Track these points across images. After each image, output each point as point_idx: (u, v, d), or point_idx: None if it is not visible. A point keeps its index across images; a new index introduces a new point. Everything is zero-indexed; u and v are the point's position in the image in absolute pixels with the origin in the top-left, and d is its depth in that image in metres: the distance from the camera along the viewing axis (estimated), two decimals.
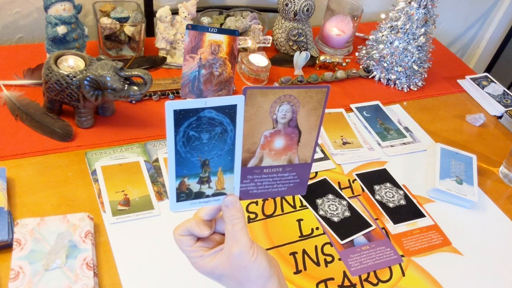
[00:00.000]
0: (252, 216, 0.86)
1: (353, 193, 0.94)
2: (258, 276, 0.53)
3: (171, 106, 0.49)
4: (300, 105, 0.56)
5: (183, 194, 0.55)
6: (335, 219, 0.88)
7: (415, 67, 1.24)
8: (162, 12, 1.10)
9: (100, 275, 0.72)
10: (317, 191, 0.92)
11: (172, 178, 0.53)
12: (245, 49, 1.21)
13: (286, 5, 1.21)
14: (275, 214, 0.87)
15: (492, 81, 1.33)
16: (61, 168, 0.86)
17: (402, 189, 0.96)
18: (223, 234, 0.56)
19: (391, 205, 0.93)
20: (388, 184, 0.97)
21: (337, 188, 0.94)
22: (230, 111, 0.52)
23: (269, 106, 0.55)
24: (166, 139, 0.51)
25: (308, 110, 0.56)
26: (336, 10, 1.31)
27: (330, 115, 1.11)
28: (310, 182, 0.94)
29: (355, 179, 0.97)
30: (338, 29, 1.33)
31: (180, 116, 0.50)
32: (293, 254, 0.81)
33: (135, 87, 0.90)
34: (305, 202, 0.90)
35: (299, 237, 0.84)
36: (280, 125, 0.57)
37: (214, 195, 0.56)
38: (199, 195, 0.56)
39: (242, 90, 0.52)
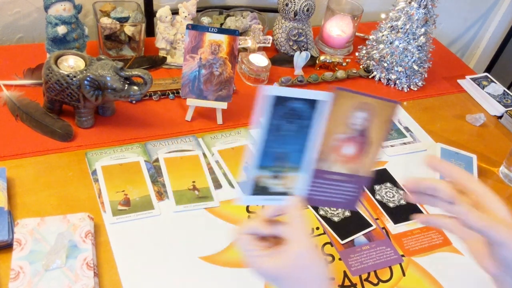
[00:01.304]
0: (252, 216, 0.86)
1: None
2: (320, 276, 0.53)
3: (271, 91, 0.49)
4: (374, 115, 0.55)
5: (258, 188, 0.55)
6: (336, 219, 0.88)
7: (415, 67, 1.24)
8: (162, 12, 1.10)
9: (100, 275, 0.72)
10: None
11: (255, 164, 0.53)
12: (245, 49, 1.21)
13: (286, 5, 1.21)
14: None
15: (492, 81, 1.33)
16: (61, 168, 0.86)
17: (403, 189, 0.96)
18: (275, 237, 0.56)
19: (391, 205, 0.93)
20: (388, 184, 0.97)
21: None
22: (316, 106, 0.52)
23: (348, 110, 0.54)
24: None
25: (379, 122, 0.55)
26: (336, 10, 1.31)
27: None
28: None
29: None
30: (338, 29, 1.33)
31: (277, 102, 0.51)
32: None
33: (135, 87, 0.90)
34: None
35: None
36: (353, 131, 0.56)
37: (281, 193, 0.56)
38: (269, 190, 0.56)
39: (334, 89, 0.51)
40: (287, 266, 0.53)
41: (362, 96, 0.54)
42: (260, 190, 0.55)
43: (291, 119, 0.52)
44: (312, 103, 0.52)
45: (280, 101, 0.51)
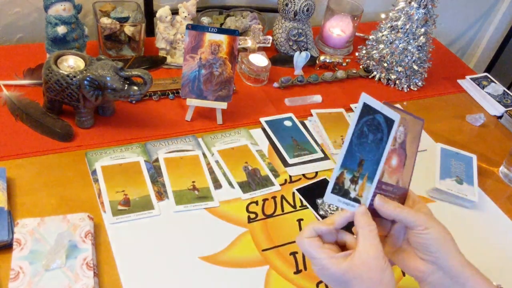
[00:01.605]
0: (252, 216, 0.86)
1: None
2: (390, 281, 0.56)
3: (363, 98, 0.55)
4: (409, 130, 0.60)
5: (337, 187, 0.58)
6: None
7: (415, 67, 1.24)
8: (162, 12, 1.10)
9: (100, 275, 0.72)
10: (317, 191, 0.92)
11: (338, 164, 0.57)
12: (245, 49, 1.21)
13: (286, 5, 1.21)
14: (275, 214, 0.87)
15: (492, 81, 1.33)
16: (61, 168, 0.86)
17: None
18: (340, 244, 0.61)
19: None
20: None
21: None
22: (389, 124, 0.59)
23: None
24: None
25: (411, 137, 0.60)
26: (336, 10, 1.31)
27: (330, 115, 1.11)
28: (310, 182, 0.94)
29: None
30: (338, 29, 1.33)
31: (365, 110, 0.56)
32: (293, 254, 0.81)
33: (135, 87, 0.90)
34: (305, 202, 0.90)
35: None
36: (397, 144, 0.61)
37: (353, 199, 0.60)
38: (346, 193, 0.59)
39: (393, 107, 0.58)
40: (363, 268, 0.55)
41: (402, 111, 0.60)
42: (338, 190, 0.58)
43: (372, 129, 0.58)
44: (388, 121, 0.58)
45: (368, 109, 0.56)
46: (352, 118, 0.59)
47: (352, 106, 1.15)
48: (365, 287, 0.55)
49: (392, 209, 0.60)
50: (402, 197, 0.63)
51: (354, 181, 0.59)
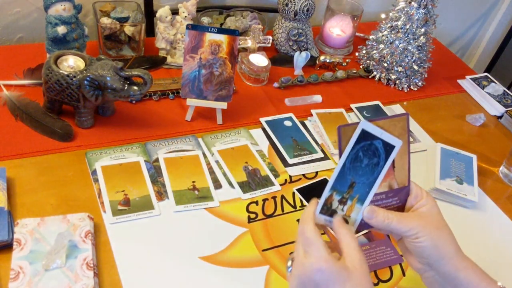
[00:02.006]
0: (252, 216, 0.86)
1: None
2: (371, 283, 0.56)
3: (362, 125, 0.57)
4: (391, 133, 0.59)
5: (325, 207, 0.61)
6: None
7: (415, 67, 1.24)
8: (162, 12, 1.10)
9: (100, 275, 0.72)
10: (317, 191, 0.92)
11: (329, 185, 0.60)
12: (245, 49, 1.21)
13: (286, 5, 1.21)
14: (275, 214, 0.87)
15: (492, 81, 1.33)
16: (61, 168, 0.86)
17: None
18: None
19: None
20: None
21: None
22: (389, 149, 0.59)
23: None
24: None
25: (395, 136, 0.59)
26: (336, 10, 1.31)
27: (330, 115, 1.11)
28: (310, 182, 0.94)
29: None
30: (338, 29, 1.33)
31: (363, 136, 0.58)
32: None
33: (135, 87, 0.90)
34: (305, 202, 0.90)
35: None
36: None
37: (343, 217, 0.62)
38: (333, 213, 0.61)
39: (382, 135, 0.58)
40: (348, 272, 0.55)
41: (381, 119, 0.59)
42: (325, 210, 0.60)
43: (368, 154, 0.59)
44: (387, 146, 0.58)
45: (366, 136, 0.57)
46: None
47: (352, 106, 1.15)
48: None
49: (381, 221, 0.60)
50: (404, 197, 0.64)
51: (342, 202, 0.60)
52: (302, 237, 0.58)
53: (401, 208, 0.64)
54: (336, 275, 0.55)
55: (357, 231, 0.63)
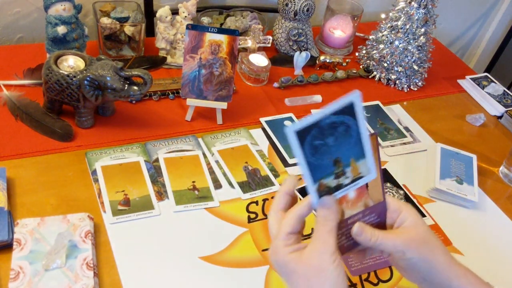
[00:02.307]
0: (252, 216, 0.86)
1: None
2: (329, 279, 0.52)
3: (291, 129, 0.50)
4: None
5: (324, 192, 0.56)
6: None
7: (415, 67, 1.24)
8: (162, 12, 1.10)
9: (100, 275, 0.72)
10: None
11: (310, 184, 0.54)
12: (245, 49, 1.21)
13: (286, 5, 1.21)
14: None
15: (492, 81, 1.33)
16: (61, 168, 0.86)
17: (402, 189, 0.96)
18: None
19: None
20: (388, 184, 0.97)
21: None
22: (348, 110, 0.53)
23: None
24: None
25: None
26: (336, 10, 1.31)
27: None
28: None
29: None
30: (338, 29, 1.33)
31: (302, 134, 0.51)
32: None
33: (135, 87, 0.90)
34: None
35: None
36: None
37: (352, 181, 0.57)
38: (339, 187, 0.57)
39: None
40: (306, 264, 0.52)
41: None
42: (330, 190, 0.56)
43: (323, 135, 0.53)
44: (340, 111, 0.53)
45: (304, 134, 0.51)
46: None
47: None
48: (301, 282, 0.52)
49: (368, 238, 0.57)
50: (382, 212, 0.61)
51: (339, 175, 0.56)
52: (269, 222, 0.57)
53: (382, 224, 0.62)
54: (284, 269, 0.54)
55: (344, 252, 0.59)
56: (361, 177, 0.57)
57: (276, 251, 0.55)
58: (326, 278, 0.52)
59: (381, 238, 0.57)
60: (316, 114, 0.51)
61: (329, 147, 0.54)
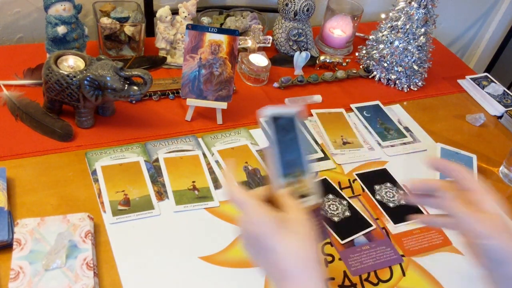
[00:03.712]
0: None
1: (353, 193, 0.94)
2: (310, 265, 0.51)
3: (266, 112, 0.59)
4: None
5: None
6: (336, 219, 0.88)
7: (415, 67, 1.24)
8: (162, 12, 1.10)
9: (100, 275, 0.72)
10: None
11: (278, 177, 0.59)
12: (245, 49, 1.21)
13: (286, 5, 1.21)
14: None
15: (492, 81, 1.33)
16: (61, 168, 0.86)
17: (403, 189, 0.96)
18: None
19: (391, 205, 0.93)
20: (388, 184, 0.97)
21: (338, 188, 0.94)
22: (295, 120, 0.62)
23: None
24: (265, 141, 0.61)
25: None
26: (336, 10, 1.31)
27: (330, 115, 1.11)
28: None
29: (356, 179, 0.97)
30: (338, 29, 1.33)
31: (273, 120, 0.60)
32: None
33: (135, 87, 0.90)
34: None
35: None
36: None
37: (305, 195, 0.61)
38: (296, 194, 0.60)
39: None
40: (287, 222, 0.52)
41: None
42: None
43: (285, 131, 0.61)
44: (291, 118, 0.61)
45: (275, 118, 0.59)
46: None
47: (352, 106, 1.15)
48: (294, 239, 0.52)
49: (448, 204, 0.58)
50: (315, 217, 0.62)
51: (296, 181, 0.60)
52: (233, 203, 0.56)
53: (323, 231, 0.63)
54: (275, 224, 0.53)
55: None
56: (309, 195, 0.61)
57: (256, 209, 0.54)
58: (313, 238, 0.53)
59: (467, 214, 0.57)
60: (281, 108, 0.61)
61: (289, 144, 0.61)
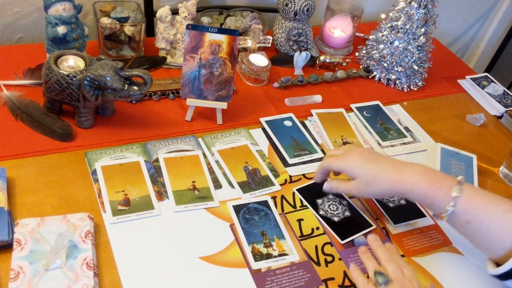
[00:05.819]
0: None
1: None
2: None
3: (231, 203, 0.85)
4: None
5: (257, 256, 0.77)
6: (336, 219, 0.88)
7: (415, 67, 1.24)
8: (162, 12, 1.10)
9: (100, 275, 0.72)
10: (317, 191, 0.92)
11: (245, 245, 0.79)
12: (245, 49, 1.21)
13: (286, 5, 1.21)
14: None
15: (492, 81, 1.33)
16: (61, 168, 0.86)
17: None
18: None
19: (391, 205, 0.93)
20: None
21: None
22: (264, 204, 0.86)
23: None
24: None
25: None
26: (336, 10, 1.31)
27: (330, 115, 1.11)
28: (310, 182, 0.94)
29: None
30: (338, 29, 1.33)
31: (237, 208, 0.84)
32: None
33: (135, 87, 0.90)
34: (305, 202, 0.90)
35: (300, 237, 0.84)
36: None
37: (280, 255, 0.79)
38: (269, 256, 0.78)
39: None
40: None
41: None
42: (262, 256, 0.78)
43: (250, 213, 0.83)
44: (259, 203, 0.85)
45: (239, 207, 0.83)
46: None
47: (352, 106, 1.15)
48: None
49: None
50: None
51: (267, 245, 0.79)
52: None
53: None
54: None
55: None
56: (286, 254, 0.78)
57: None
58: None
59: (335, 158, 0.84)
60: (244, 200, 0.85)
61: (256, 222, 0.82)
